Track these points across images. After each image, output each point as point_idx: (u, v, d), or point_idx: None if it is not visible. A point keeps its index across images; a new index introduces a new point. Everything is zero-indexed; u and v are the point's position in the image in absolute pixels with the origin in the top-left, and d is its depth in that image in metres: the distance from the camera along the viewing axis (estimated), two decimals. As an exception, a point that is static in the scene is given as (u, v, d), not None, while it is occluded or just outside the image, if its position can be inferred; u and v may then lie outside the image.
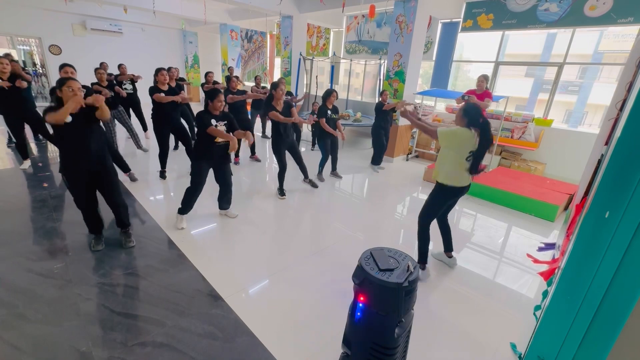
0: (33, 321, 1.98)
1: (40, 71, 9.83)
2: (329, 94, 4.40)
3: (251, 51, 11.28)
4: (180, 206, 3.17)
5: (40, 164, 4.71)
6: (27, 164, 4.50)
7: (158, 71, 4.02)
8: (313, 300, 2.33)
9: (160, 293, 2.28)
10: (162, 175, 4.47)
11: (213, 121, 2.96)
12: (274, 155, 4.02)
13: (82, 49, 9.81)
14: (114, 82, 5.58)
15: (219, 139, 3.00)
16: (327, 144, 4.65)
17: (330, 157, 4.83)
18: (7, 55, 4.32)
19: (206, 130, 2.92)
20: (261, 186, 4.46)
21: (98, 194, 2.69)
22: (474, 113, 2.29)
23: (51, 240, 2.85)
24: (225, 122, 3.08)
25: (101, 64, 6.07)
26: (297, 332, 2.04)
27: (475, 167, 2.36)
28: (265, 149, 6.61)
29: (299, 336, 2.01)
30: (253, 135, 5.46)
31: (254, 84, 6.69)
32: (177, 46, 12.05)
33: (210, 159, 3.07)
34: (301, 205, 3.98)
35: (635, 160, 1.13)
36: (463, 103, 2.69)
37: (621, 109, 2.16)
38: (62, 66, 3.71)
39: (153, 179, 4.49)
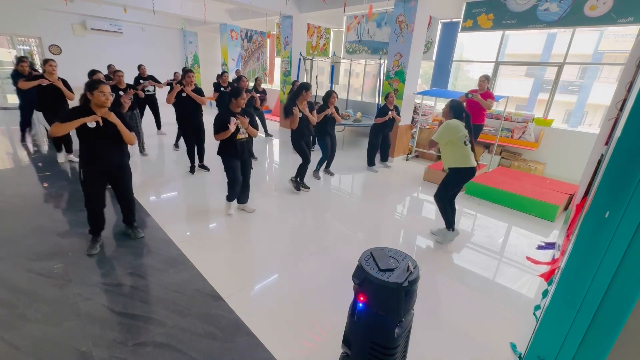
0: (33, 321, 1.98)
1: (40, 71, 9.81)
2: (329, 94, 4.48)
3: (251, 51, 11.28)
4: (227, 194, 3.43)
5: (40, 164, 4.71)
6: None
7: (186, 72, 4.50)
8: (313, 299, 2.33)
9: (160, 293, 2.29)
10: (192, 170, 4.71)
11: (233, 119, 3.11)
12: (295, 152, 4.33)
13: (82, 49, 9.80)
14: (138, 82, 6.00)
15: (240, 135, 3.21)
16: (327, 142, 4.67)
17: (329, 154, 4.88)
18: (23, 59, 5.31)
19: (221, 130, 3.10)
20: (260, 186, 4.45)
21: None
22: (458, 109, 2.93)
23: (51, 240, 2.85)
24: (245, 117, 3.25)
25: (109, 66, 6.16)
26: (297, 331, 2.04)
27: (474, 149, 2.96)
28: (263, 148, 6.61)
29: (298, 336, 2.01)
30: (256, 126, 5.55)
31: (253, 84, 6.70)
32: (177, 46, 12.04)
33: (236, 154, 3.25)
34: (301, 205, 3.98)
35: (635, 160, 1.13)
36: (459, 99, 3.12)
37: (621, 109, 2.16)
38: (46, 61, 4.36)
39: (152, 179, 4.49)
